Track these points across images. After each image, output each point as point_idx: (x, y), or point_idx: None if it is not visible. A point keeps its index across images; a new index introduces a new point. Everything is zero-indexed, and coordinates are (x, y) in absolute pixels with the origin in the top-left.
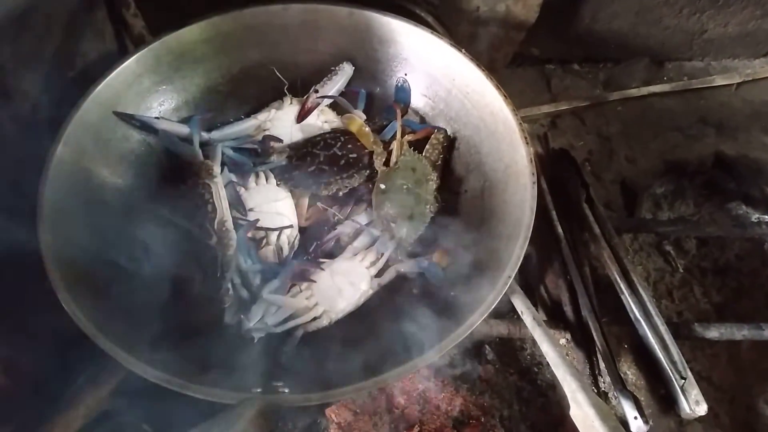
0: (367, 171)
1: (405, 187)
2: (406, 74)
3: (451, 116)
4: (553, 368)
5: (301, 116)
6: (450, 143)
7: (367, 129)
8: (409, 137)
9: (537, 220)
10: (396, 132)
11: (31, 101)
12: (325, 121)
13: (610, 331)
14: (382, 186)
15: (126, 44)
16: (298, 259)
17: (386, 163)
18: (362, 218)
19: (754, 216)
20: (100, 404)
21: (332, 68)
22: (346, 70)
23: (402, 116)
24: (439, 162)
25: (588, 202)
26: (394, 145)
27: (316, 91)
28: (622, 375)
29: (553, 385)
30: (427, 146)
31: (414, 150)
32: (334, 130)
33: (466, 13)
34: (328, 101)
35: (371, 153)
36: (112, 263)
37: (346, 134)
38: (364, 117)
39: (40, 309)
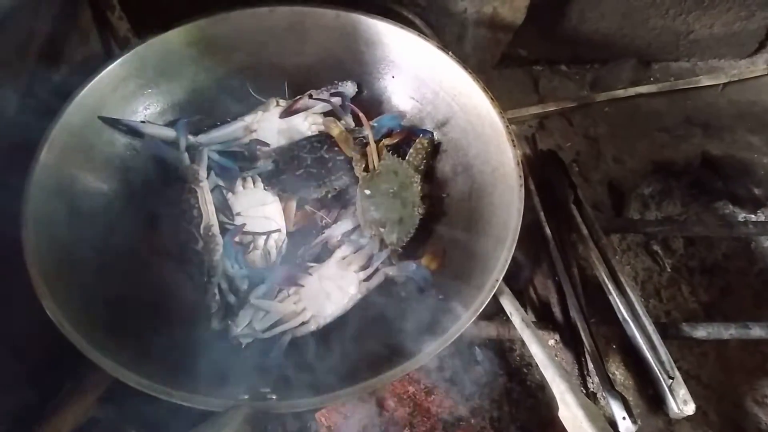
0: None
1: (390, 191)
2: (393, 76)
3: (439, 119)
4: (542, 369)
5: (287, 113)
6: (434, 148)
7: (346, 135)
8: (386, 141)
9: (525, 221)
10: (385, 134)
11: (15, 106)
12: (313, 123)
13: (599, 331)
14: (367, 191)
15: (111, 47)
16: (285, 264)
17: (366, 169)
18: (351, 222)
19: (741, 215)
20: (87, 411)
21: (335, 82)
22: (348, 88)
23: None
24: (422, 167)
25: (576, 203)
26: (369, 151)
27: (311, 96)
28: (610, 375)
29: (543, 386)
30: (411, 150)
31: (394, 154)
32: (320, 133)
33: (453, 15)
34: (317, 107)
35: None
36: (97, 270)
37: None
38: (352, 124)
39: (24, 316)
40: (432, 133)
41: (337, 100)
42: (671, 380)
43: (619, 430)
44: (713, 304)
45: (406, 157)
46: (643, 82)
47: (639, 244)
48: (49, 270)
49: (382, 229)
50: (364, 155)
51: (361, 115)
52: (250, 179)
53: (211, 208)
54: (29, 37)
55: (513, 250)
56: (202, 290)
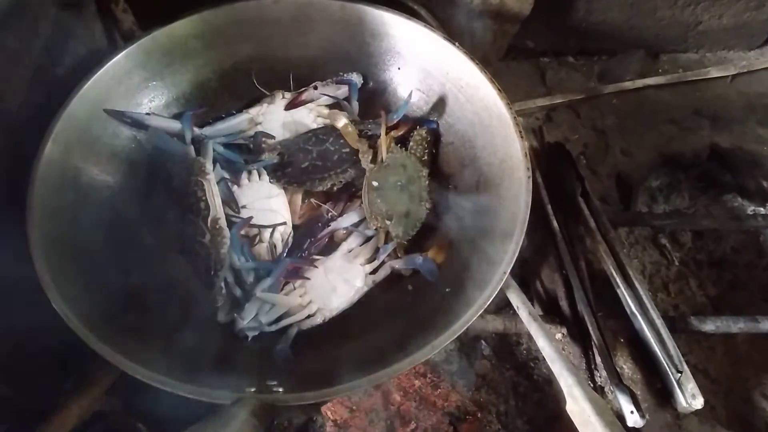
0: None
1: (399, 184)
2: (399, 68)
3: (445, 111)
4: (549, 363)
5: (292, 105)
6: (435, 138)
7: (351, 128)
8: (393, 133)
9: (532, 214)
10: (392, 126)
11: (19, 99)
12: (318, 116)
13: (606, 325)
14: (375, 183)
15: (116, 40)
16: (291, 257)
17: (373, 161)
18: (357, 214)
19: (750, 208)
20: (93, 404)
21: (341, 73)
22: (354, 79)
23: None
24: (425, 157)
25: (583, 196)
26: (379, 143)
27: (315, 88)
28: (618, 369)
29: (550, 380)
30: (410, 143)
31: (401, 147)
32: (325, 125)
33: (459, 6)
34: (322, 99)
35: None
36: (102, 263)
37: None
38: (356, 112)
39: (31, 309)
40: (437, 124)
41: (344, 90)
42: (679, 374)
43: (627, 424)
44: (722, 298)
45: (408, 149)
46: (652, 74)
47: (647, 237)
48: (55, 262)
49: (388, 222)
50: (371, 147)
51: (382, 111)
52: (255, 172)
53: (219, 201)
54: (34, 30)
55: (520, 244)
56: (208, 283)
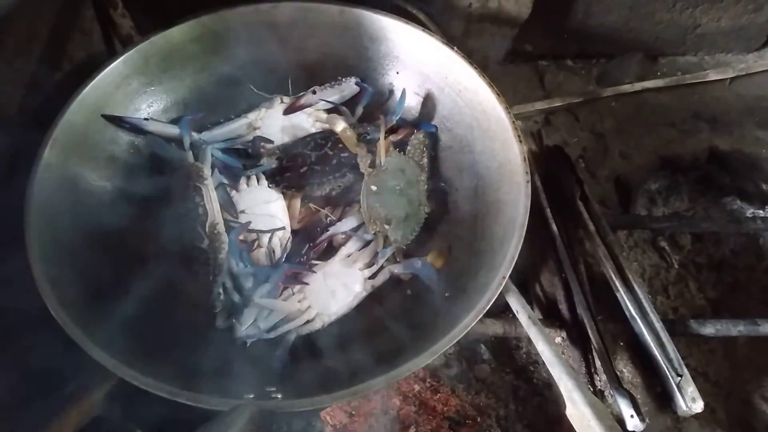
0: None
1: (397, 188)
2: (398, 72)
3: (444, 115)
4: (548, 367)
5: (290, 109)
6: (433, 142)
7: (350, 132)
8: (392, 137)
9: (531, 217)
10: (390, 130)
11: (17, 104)
12: (317, 120)
13: (606, 328)
14: (373, 187)
15: (114, 45)
16: (290, 262)
17: (371, 165)
18: (355, 219)
19: (749, 211)
20: (92, 410)
21: (338, 78)
22: (351, 84)
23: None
24: (424, 161)
25: (582, 199)
26: (378, 147)
27: (314, 93)
28: (618, 373)
29: (549, 384)
30: (408, 147)
31: (399, 151)
32: (324, 130)
33: (458, 10)
34: (320, 103)
35: None
36: (101, 269)
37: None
38: (358, 117)
39: (28, 316)
40: (436, 128)
41: (344, 94)
42: (679, 378)
43: (627, 428)
44: (721, 301)
45: (406, 153)
46: (650, 77)
47: (646, 240)
48: (53, 269)
49: (387, 226)
50: (370, 151)
51: (381, 116)
52: (253, 177)
53: (217, 206)
54: (32, 35)
55: (519, 248)
56: (206, 289)
